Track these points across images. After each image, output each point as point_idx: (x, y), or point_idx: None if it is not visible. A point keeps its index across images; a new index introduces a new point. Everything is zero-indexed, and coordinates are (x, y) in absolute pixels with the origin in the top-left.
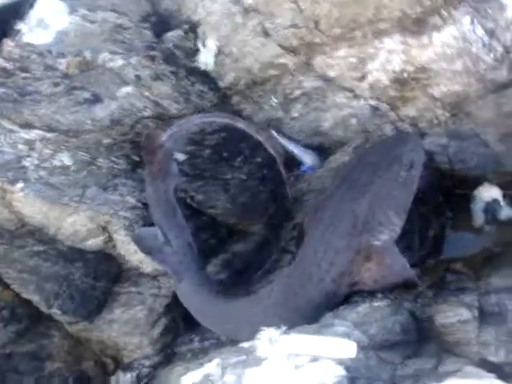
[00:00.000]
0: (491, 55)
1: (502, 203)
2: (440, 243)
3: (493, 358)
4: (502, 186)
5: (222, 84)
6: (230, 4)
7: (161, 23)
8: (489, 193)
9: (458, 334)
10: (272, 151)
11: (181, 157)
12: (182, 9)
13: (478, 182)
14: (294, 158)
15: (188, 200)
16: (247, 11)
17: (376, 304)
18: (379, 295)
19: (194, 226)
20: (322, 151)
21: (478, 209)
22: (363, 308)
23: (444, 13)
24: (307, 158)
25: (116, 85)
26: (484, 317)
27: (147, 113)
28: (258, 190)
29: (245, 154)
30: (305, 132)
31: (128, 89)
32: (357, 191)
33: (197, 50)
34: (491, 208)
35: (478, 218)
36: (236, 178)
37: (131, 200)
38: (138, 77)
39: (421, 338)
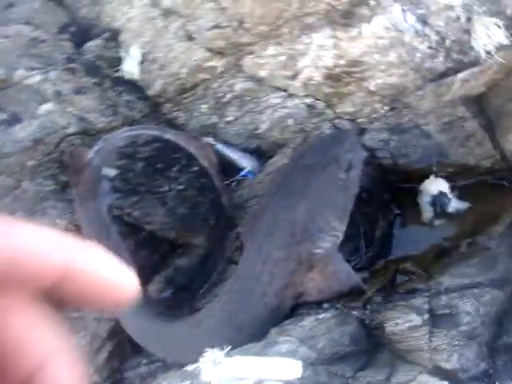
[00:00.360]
0: (425, 43)
1: (449, 195)
2: (388, 243)
3: (446, 365)
4: (448, 178)
5: (150, 92)
6: (149, 7)
7: (80, 33)
8: (435, 186)
9: (410, 340)
10: (204, 162)
11: (111, 173)
12: (101, 16)
13: (423, 175)
14: (234, 164)
15: (125, 217)
16: (167, 14)
17: (321, 316)
18: (325, 306)
19: (134, 244)
20: (261, 154)
21: (425, 203)
22: (308, 322)
23: (372, 2)
24: (246, 163)
25: (35, 102)
26: (435, 320)
27: (72, 129)
28: (197, 200)
29: (180, 164)
30: (242, 136)
31: (48, 105)
32: (293, 197)
33: (120, 59)
34: (439, 201)
35: (427, 213)
36: (173, 190)
37: (62, 223)
38: (58, 92)
39: (372, 347)
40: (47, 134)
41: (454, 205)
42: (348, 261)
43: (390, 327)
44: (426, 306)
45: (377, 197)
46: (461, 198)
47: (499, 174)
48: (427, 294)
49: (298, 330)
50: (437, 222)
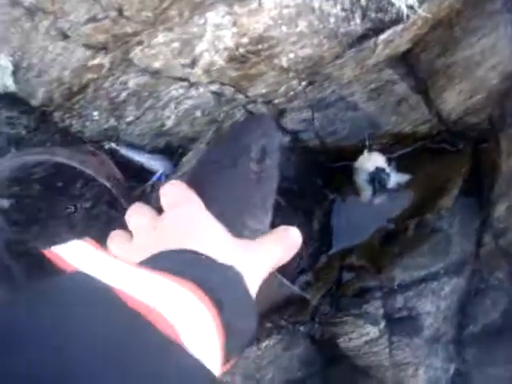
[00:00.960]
0: (338, 6)
1: (387, 170)
2: (328, 234)
3: (413, 381)
4: (383, 151)
5: (34, 103)
6: (8, 8)
7: None
8: (371, 161)
9: (369, 356)
10: (105, 180)
11: (4, 204)
12: None
13: (356, 151)
14: (144, 168)
15: (30, 251)
16: (32, 13)
17: (265, 343)
18: (267, 325)
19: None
20: (172, 152)
21: (362, 181)
22: (252, 352)
23: None
24: (157, 165)
25: None
26: (393, 327)
27: None
28: (110, 215)
29: (83, 177)
30: (147, 135)
31: None
32: (207, 201)
33: None
34: (377, 177)
35: (365, 192)
36: (80, 209)
37: None
38: None
39: (328, 365)
40: None
41: (394, 179)
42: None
43: (343, 343)
44: (381, 312)
45: (308, 185)
46: (400, 170)
47: (439, 138)
48: (380, 294)
49: (241, 364)
50: (377, 201)
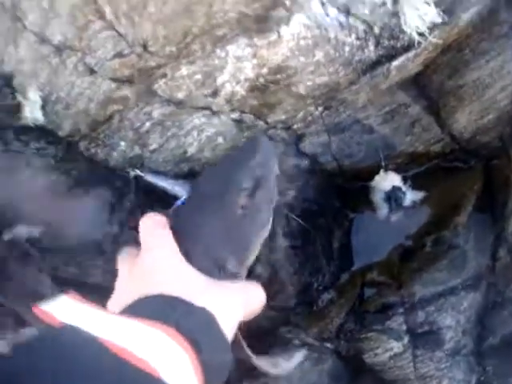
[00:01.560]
0: (352, 35)
1: (403, 188)
2: (349, 252)
3: None
4: (399, 170)
5: (61, 133)
6: (37, 45)
7: None
8: (387, 181)
9: (394, 371)
10: None
11: (34, 232)
12: None
13: (372, 171)
14: (168, 193)
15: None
16: (60, 50)
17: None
18: (296, 343)
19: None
20: (193, 176)
21: (379, 200)
22: None
23: (287, 2)
24: (181, 190)
25: None
26: (416, 341)
27: None
28: None
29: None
30: (170, 162)
31: None
32: (187, 242)
33: (20, 106)
34: (394, 196)
35: (382, 210)
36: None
37: None
38: None
39: (356, 379)
40: None
41: (410, 197)
42: (310, 283)
43: (369, 358)
44: (404, 327)
45: (327, 206)
46: (416, 188)
47: (451, 156)
48: (401, 309)
49: (272, 382)
50: (394, 219)
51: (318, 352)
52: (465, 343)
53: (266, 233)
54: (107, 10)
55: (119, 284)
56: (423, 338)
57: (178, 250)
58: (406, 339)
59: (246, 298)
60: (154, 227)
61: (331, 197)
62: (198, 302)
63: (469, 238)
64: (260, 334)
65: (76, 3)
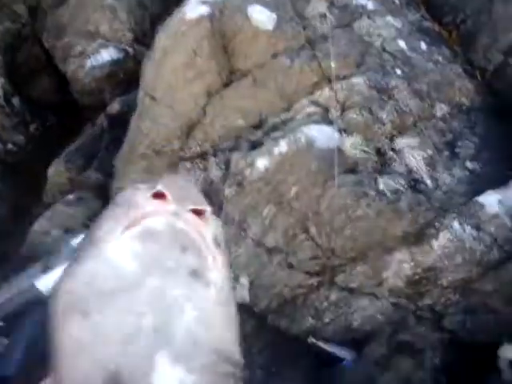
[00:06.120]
0: (482, 245)
1: None
2: None
3: None
4: None
5: (256, 309)
6: (255, 247)
7: None
8: (509, 351)
9: None
10: None
11: None
12: None
13: (498, 344)
14: (336, 356)
15: None
16: (271, 251)
17: None
18: None
19: None
20: (356, 343)
21: (504, 366)
22: None
23: (437, 224)
24: (345, 354)
25: None
26: None
27: None
28: None
29: None
30: (338, 333)
31: None
32: None
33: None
34: None
35: (507, 374)
36: None
37: None
38: None
39: None
40: None
41: None
42: None
43: None
44: None
45: (464, 374)
46: None
47: None
48: None
49: None
50: None
51: None
52: None
53: None
54: (313, 230)
55: None
56: None
57: None
58: None
59: None
60: None
61: (468, 364)
62: None
63: None
64: None
65: (292, 223)
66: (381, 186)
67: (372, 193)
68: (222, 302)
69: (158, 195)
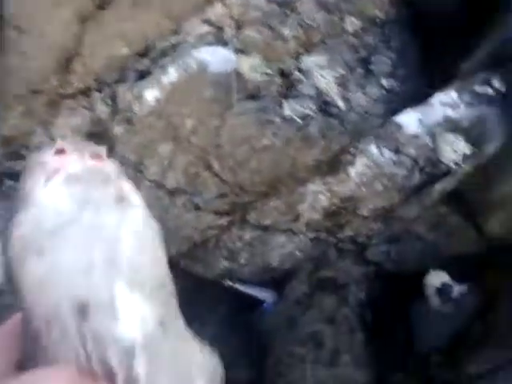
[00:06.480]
0: (402, 169)
1: (450, 283)
2: (412, 341)
3: None
4: (446, 268)
5: (167, 255)
6: (155, 190)
7: None
8: (436, 278)
9: None
10: None
11: None
12: None
13: (425, 272)
14: (256, 298)
15: None
16: (173, 193)
17: None
18: None
19: None
20: (275, 283)
21: (431, 294)
22: None
23: (352, 149)
24: (264, 295)
25: None
26: None
27: None
28: None
29: None
30: (256, 274)
31: None
32: None
33: None
34: (443, 291)
35: (434, 303)
36: None
37: None
38: None
39: None
40: None
41: (457, 289)
42: (383, 369)
43: None
44: None
45: (391, 303)
46: (461, 281)
47: (489, 254)
48: None
49: None
50: (446, 309)
51: None
52: None
53: None
54: (216, 166)
55: None
56: None
57: None
58: None
59: None
60: None
61: (394, 295)
62: None
63: (510, 321)
64: None
65: (192, 160)
66: (287, 112)
67: (277, 120)
68: (150, 223)
69: (59, 151)
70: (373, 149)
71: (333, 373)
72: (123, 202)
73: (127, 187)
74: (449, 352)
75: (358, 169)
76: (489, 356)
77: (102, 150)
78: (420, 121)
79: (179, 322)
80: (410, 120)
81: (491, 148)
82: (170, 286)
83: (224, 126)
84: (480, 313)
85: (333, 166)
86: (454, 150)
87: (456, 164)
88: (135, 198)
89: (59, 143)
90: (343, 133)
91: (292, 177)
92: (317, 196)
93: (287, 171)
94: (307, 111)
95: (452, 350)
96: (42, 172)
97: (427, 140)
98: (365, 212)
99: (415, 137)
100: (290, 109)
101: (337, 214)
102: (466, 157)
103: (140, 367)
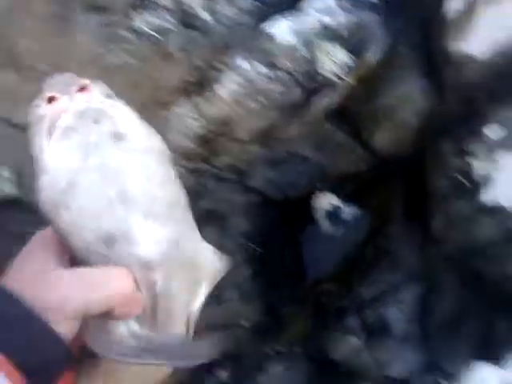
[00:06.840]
0: (278, 84)
1: (340, 205)
2: (302, 268)
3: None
4: (335, 190)
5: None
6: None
7: None
8: (325, 200)
9: (356, 362)
10: None
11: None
12: None
13: (312, 194)
14: None
15: None
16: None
17: (270, 370)
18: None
19: None
20: None
21: (320, 218)
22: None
23: (218, 65)
24: None
25: None
26: (371, 334)
27: None
28: None
29: None
30: None
31: None
32: None
33: None
34: (333, 213)
35: (324, 227)
36: None
37: None
38: None
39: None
40: None
41: (347, 212)
42: (273, 299)
43: (333, 356)
44: (359, 325)
45: (278, 231)
46: (351, 203)
47: (376, 171)
48: (354, 310)
49: None
50: (337, 233)
51: (291, 361)
52: (411, 330)
53: None
54: None
55: None
56: (376, 331)
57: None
58: (361, 334)
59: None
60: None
61: (281, 223)
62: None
63: (402, 239)
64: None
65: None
66: (141, 25)
67: (129, 35)
68: (149, 147)
69: (50, 98)
70: (243, 63)
71: (219, 310)
72: (119, 137)
73: (119, 119)
74: (341, 278)
75: (228, 87)
76: (382, 279)
77: (86, 80)
78: (294, 30)
79: (194, 234)
80: (282, 29)
81: (372, 57)
82: (183, 201)
83: (67, 44)
84: (372, 234)
85: (200, 85)
86: (334, 60)
87: (336, 76)
88: (129, 129)
89: (48, 89)
90: (208, 47)
91: (154, 100)
92: (185, 121)
93: (148, 94)
94: (165, 24)
95: (344, 275)
96: (42, 130)
97: (303, 51)
98: (242, 135)
99: (289, 48)
100: (144, 21)
101: (211, 140)
102: (346, 67)
103: (157, 275)
